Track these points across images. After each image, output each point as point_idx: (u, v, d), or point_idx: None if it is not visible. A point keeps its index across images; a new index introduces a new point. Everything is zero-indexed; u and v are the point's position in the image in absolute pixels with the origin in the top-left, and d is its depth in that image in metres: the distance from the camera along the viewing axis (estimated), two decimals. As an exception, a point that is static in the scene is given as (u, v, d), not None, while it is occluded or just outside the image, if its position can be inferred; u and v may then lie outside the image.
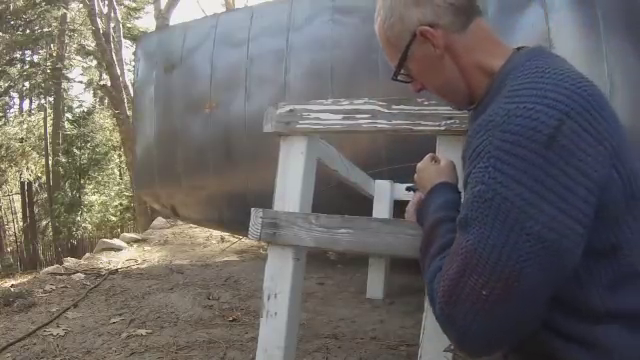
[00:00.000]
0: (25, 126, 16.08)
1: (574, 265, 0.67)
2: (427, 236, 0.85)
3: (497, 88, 0.79)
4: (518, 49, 0.86)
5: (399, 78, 0.93)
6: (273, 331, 1.31)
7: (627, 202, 0.70)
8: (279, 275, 1.32)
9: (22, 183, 17.19)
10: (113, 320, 2.60)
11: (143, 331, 2.41)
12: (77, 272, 3.82)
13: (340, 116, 1.31)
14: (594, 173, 0.66)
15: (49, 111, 16.78)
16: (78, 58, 16.95)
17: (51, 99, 16.61)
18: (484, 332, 0.68)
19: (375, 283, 3.03)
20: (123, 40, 13.66)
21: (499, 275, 0.65)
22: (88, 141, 15.60)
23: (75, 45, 16.22)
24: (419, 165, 1.02)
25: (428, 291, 0.77)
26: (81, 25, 15.40)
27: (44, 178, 16.70)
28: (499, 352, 0.76)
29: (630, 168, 0.71)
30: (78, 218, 14.32)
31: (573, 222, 0.65)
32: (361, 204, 2.80)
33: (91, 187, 15.97)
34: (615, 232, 0.70)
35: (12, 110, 17.20)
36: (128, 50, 16.17)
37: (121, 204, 15.96)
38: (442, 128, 1.19)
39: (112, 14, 12.78)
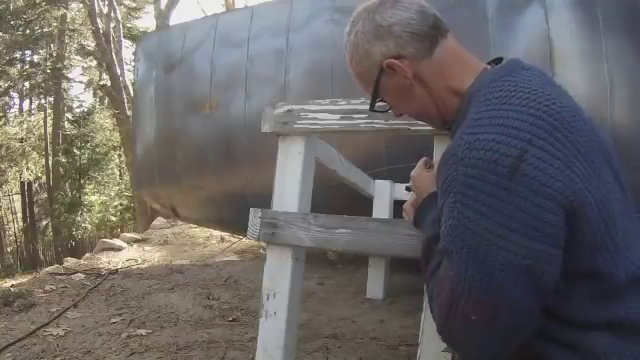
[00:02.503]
0: (25, 126, 16.09)
1: (554, 280, 0.69)
2: (425, 251, 0.86)
3: (464, 110, 0.80)
4: (493, 61, 0.88)
5: (376, 108, 0.95)
6: (273, 331, 1.31)
7: (605, 224, 0.70)
8: (278, 275, 1.33)
9: (22, 183, 17.20)
10: (113, 320, 2.60)
11: (143, 331, 2.41)
12: (77, 272, 3.82)
13: (338, 116, 1.31)
14: (562, 198, 0.66)
15: (49, 111, 16.78)
16: (78, 58, 16.94)
17: (51, 99, 16.60)
18: (481, 349, 0.73)
19: (375, 283, 3.03)
20: (123, 40, 13.65)
21: (483, 302, 0.68)
22: (88, 141, 15.59)
23: (75, 45, 16.21)
24: (413, 173, 1.02)
25: (430, 305, 0.80)
26: (81, 25, 15.40)
27: (44, 178, 16.70)
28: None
29: (606, 189, 0.71)
30: (78, 218, 14.32)
31: (544, 246, 0.66)
32: (361, 204, 2.79)
33: (91, 187, 15.97)
34: (595, 258, 0.70)
35: (12, 110, 17.22)
36: (128, 50, 16.18)
37: (121, 204, 15.95)
38: (441, 128, 1.19)
39: (112, 14, 12.78)
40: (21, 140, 15.62)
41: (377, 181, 2.85)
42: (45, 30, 14.83)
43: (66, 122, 16.99)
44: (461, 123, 0.78)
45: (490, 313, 0.68)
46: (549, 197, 0.65)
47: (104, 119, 16.76)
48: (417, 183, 1.00)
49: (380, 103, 0.96)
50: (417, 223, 0.98)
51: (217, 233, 5.59)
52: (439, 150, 1.19)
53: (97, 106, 18.10)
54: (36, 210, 17.08)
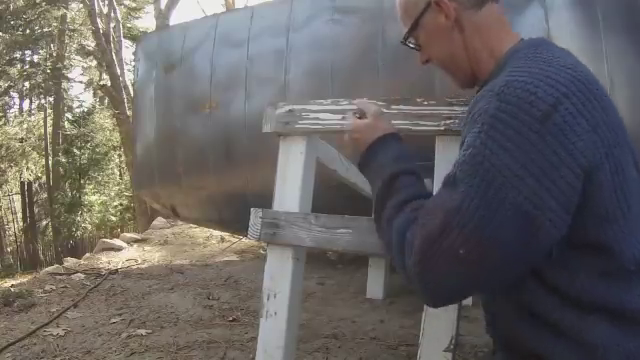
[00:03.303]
0: (25, 126, 16.09)
1: (551, 243, 0.68)
2: (386, 187, 0.86)
3: (499, 71, 0.80)
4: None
5: (408, 43, 0.95)
6: (273, 331, 1.31)
7: (617, 196, 0.69)
8: (279, 275, 1.32)
9: (22, 183, 17.20)
10: (113, 320, 2.60)
11: (143, 331, 2.41)
12: (77, 272, 3.82)
13: (339, 116, 1.31)
14: (583, 159, 0.66)
15: (49, 111, 16.79)
16: (78, 58, 16.94)
17: (51, 99, 16.61)
18: (451, 288, 0.72)
19: (375, 283, 3.03)
20: (123, 40, 13.66)
21: (478, 238, 0.67)
22: (88, 141, 15.60)
23: (75, 45, 16.21)
24: (349, 125, 1.01)
25: (397, 240, 0.77)
26: (81, 25, 15.40)
27: (44, 178, 16.71)
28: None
29: (623, 161, 0.71)
30: (78, 218, 14.32)
31: (555, 202, 0.66)
32: (361, 204, 2.79)
33: (91, 187, 15.97)
34: (605, 230, 0.70)
35: (12, 110, 17.22)
36: (128, 50, 16.19)
37: (121, 204, 15.96)
38: (441, 128, 1.19)
39: (112, 14, 12.79)
40: (21, 140, 15.62)
41: (377, 181, 2.85)
42: (45, 30, 14.83)
43: (66, 122, 17.00)
44: (471, 117, 0.78)
45: (480, 251, 0.67)
46: (571, 153, 0.66)
47: (104, 119, 16.76)
48: (359, 131, 0.98)
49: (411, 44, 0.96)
50: (367, 163, 0.95)
51: (217, 233, 5.59)
52: (441, 150, 1.19)
53: (97, 106, 18.11)
54: (36, 210, 17.09)
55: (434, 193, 0.84)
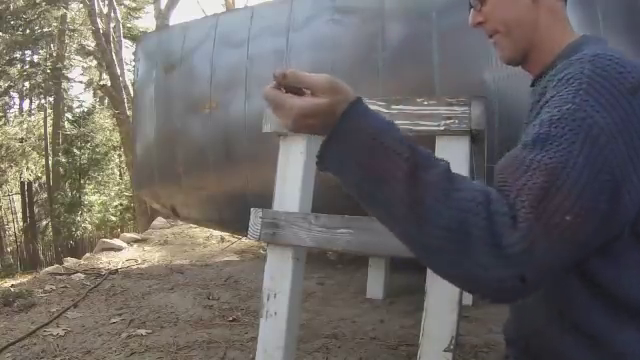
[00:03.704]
0: (25, 126, 16.09)
1: (621, 225, 0.64)
2: (412, 159, 0.61)
3: (564, 59, 0.78)
4: None
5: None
6: (273, 331, 1.31)
7: None
8: (279, 275, 1.32)
9: (22, 183, 17.19)
10: (113, 320, 2.60)
11: (143, 331, 2.41)
12: (77, 272, 3.82)
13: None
14: None
15: (49, 111, 16.79)
16: (78, 58, 16.95)
17: (51, 99, 16.61)
18: (551, 268, 0.60)
19: (375, 283, 3.03)
20: (123, 40, 13.66)
21: (584, 202, 0.58)
22: (88, 141, 15.59)
23: (75, 45, 16.21)
24: (298, 107, 0.65)
25: (451, 221, 0.57)
26: (81, 25, 15.40)
27: (44, 178, 16.71)
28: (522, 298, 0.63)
29: None
30: (78, 218, 14.32)
31: (636, 177, 0.62)
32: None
33: (91, 187, 15.97)
34: None
35: (12, 110, 17.21)
36: (128, 50, 16.18)
37: (121, 204, 15.95)
38: (441, 128, 1.19)
39: (112, 14, 12.79)
40: (21, 140, 15.62)
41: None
42: (45, 30, 14.83)
43: (66, 122, 17.00)
44: (551, 72, 0.76)
45: (583, 217, 0.58)
46: None
47: (104, 119, 16.76)
48: (313, 115, 0.65)
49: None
50: (343, 146, 0.64)
51: (217, 233, 5.59)
52: (441, 149, 1.19)
53: (97, 106, 18.11)
54: (36, 210, 17.08)
55: None
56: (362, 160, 0.63)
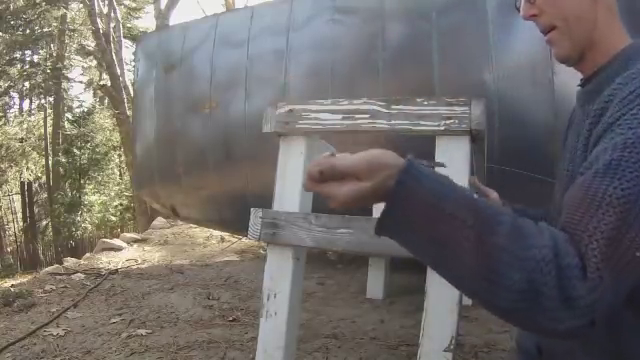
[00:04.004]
0: (25, 126, 16.10)
1: None
2: (475, 232, 0.58)
3: (619, 67, 0.75)
4: None
5: None
6: (273, 331, 1.31)
7: None
8: (279, 275, 1.32)
9: (22, 183, 17.19)
10: (113, 320, 2.60)
11: (143, 331, 2.41)
12: (77, 272, 3.82)
13: (339, 116, 1.31)
14: None
15: (49, 111, 16.79)
16: (78, 58, 16.95)
17: (51, 99, 16.61)
18: (615, 299, 0.58)
19: (375, 283, 3.03)
20: (123, 40, 13.66)
21: None
22: (88, 141, 15.60)
23: (75, 45, 16.21)
24: (342, 195, 0.62)
25: (522, 284, 0.56)
26: (81, 25, 15.40)
27: (44, 178, 16.71)
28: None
29: None
30: (78, 218, 14.32)
31: None
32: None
33: (91, 187, 15.97)
34: None
35: (12, 110, 17.21)
36: (128, 50, 16.17)
37: (121, 204, 15.95)
38: (441, 128, 1.19)
39: (112, 14, 12.79)
40: (21, 140, 15.62)
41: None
42: (45, 30, 14.83)
43: (66, 122, 17.00)
44: (613, 77, 0.72)
45: None
46: None
47: (104, 119, 16.76)
48: (371, 159, 0.62)
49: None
50: (406, 208, 0.60)
51: (217, 233, 5.59)
52: (441, 149, 1.19)
53: (97, 106, 18.11)
54: (36, 210, 17.08)
55: None
56: (425, 230, 0.61)
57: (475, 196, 0.63)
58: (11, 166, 15.90)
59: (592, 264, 0.55)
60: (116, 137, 15.97)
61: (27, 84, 16.08)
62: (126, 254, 4.89)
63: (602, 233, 0.56)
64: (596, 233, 0.56)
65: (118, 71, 12.25)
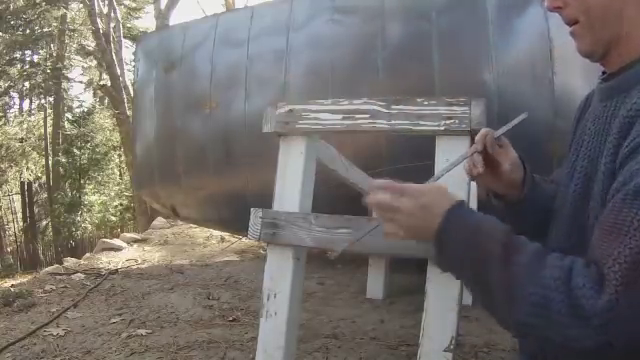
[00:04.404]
0: (25, 126, 16.09)
1: None
2: (504, 246, 0.66)
3: None
4: None
5: None
6: (273, 331, 1.31)
7: None
8: (279, 275, 1.32)
9: (22, 183, 17.19)
10: (113, 320, 2.60)
11: (143, 331, 2.41)
12: (77, 272, 3.82)
13: (339, 116, 1.31)
14: None
15: (49, 111, 16.78)
16: (78, 58, 16.94)
17: (51, 99, 16.60)
18: (636, 324, 0.56)
19: (375, 283, 3.03)
20: (123, 40, 13.66)
21: None
22: (88, 141, 15.60)
23: (75, 45, 16.21)
24: (404, 191, 0.78)
25: (537, 298, 0.60)
26: (81, 25, 15.39)
27: (44, 178, 16.70)
28: None
29: None
30: (78, 218, 14.32)
31: None
32: (361, 204, 2.79)
33: (91, 187, 15.97)
34: None
35: (12, 110, 17.21)
36: (128, 50, 16.16)
37: (121, 204, 15.95)
38: (441, 128, 1.19)
39: (112, 14, 12.78)
40: (21, 140, 15.62)
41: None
42: (45, 30, 14.83)
43: (66, 122, 16.99)
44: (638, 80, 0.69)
45: None
46: None
47: (104, 119, 16.76)
48: (426, 199, 0.76)
49: None
50: (450, 239, 0.73)
51: (217, 233, 5.59)
52: (442, 149, 1.19)
53: (97, 106, 18.10)
54: (36, 210, 17.08)
55: None
56: (466, 245, 0.71)
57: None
58: (11, 166, 15.90)
59: (611, 285, 0.56)
60: (116, 137, 15.97)
61: (27, 84, 16.07)
62: (126, 254, 4.89)
63: (626, 257, 0.56)
64: (620, 257, 0.56)
65: (118, 71, 12.25)
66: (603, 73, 0.82)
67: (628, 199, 0.59)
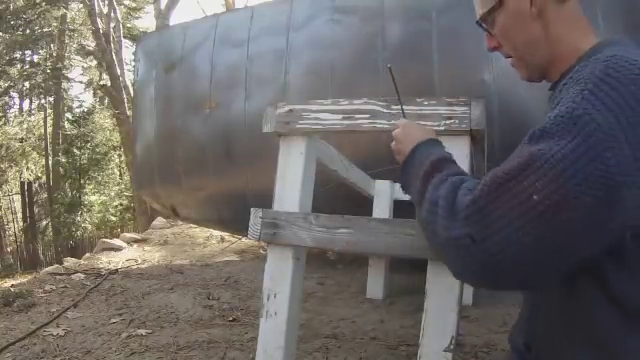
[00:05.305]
0: (25, 126, 16.10)
1: (622, 228, 0.63)
2: (432, 165, 0.80)
3: (584, 63, 0.76)
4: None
5: (483, 25, 0.92)
6: (273, 331, 1.31)
7: None
8: (279, 275, 1.32)
9: (22, 183, 17.19)
10: (113, 320, 2.60)
11: (143, 331, 2.41)
12: (77, 272, 3.82)
13: (339, 116, 1.31)
14: None
15: (49, 111, 16.79)
16: (78, 58, 16.94)
17: (51, 99, 16.61)
18: (512, 242, 0.61)
19: (375, 283, 3.03)
20: (123, 40, 13.66)
21: (557, 187, 0.60)
22: (88, 141, 15.59)
23: (75, 45, 16.21)
24: (402, 124, 1.01)
25: (444, 200, 0.70)
26: (81, 25, 15.40)
27: (44, 178, 16.71)
28: (511, 289, 0.71)
29: None
30: (78, 218, 14.32)
31: None
32: (361, 204, 2.80)
33: (91, 187, 15.97)
34: None
35: (12, 110, 17.21)
36: (128, 50, 16.17)
37: (121, 204, 15.95)
38: (441, 128, 1.19)
39: (112, 14, 12.79)
40: (21, 140, 15.62)
41: (377, 181, 2.85)
42: (45, 30, 14.83)
43: (66, 122, 16.99)
44: (570, 82, 0.74)
45: (552, 207, 0.60)
46: None
47: (104, 119, 16.76)
48: (408, 130, 0.98)
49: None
50: (409, 164, 0.91)
51: (217, 233, 5.59)
52: (440, 150, 1.19)
53: (97, 106, 18.10)
54: (36, 210, 17.08)
55: None
56: (415, 169, 0.87)
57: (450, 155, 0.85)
58: (11, 166, 15.90)
59: (480, 186, 0.66)
60: (116, 137, 15.98)
61: (27, 84, 16.07)
62: (126, 254, 4.89)
63: (500, 170, 0.65)
64: (495, 170, 0.66)
65: (118, 71, 12.25)
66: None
67: (524, 142, 0.68)
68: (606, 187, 0.60)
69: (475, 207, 0.64)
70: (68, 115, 17.62)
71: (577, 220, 0.60)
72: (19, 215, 17.94)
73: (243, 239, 4.92)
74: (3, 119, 15.69)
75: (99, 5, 12.63)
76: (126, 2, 16.94)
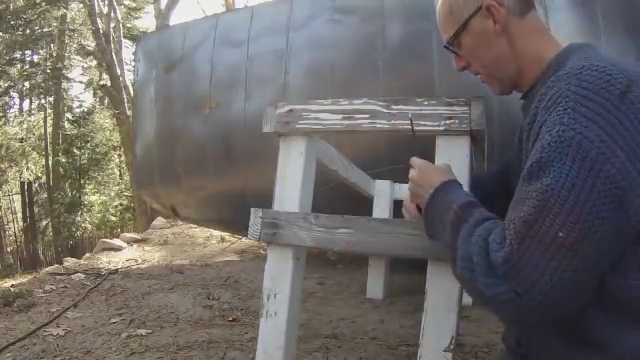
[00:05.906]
0: (25, 126, 16.10)
1: (633, 229, 0.65)
2: (457, 216, 0.79)
3: (550, 72, 0.80)
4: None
5: (450, 48, 0.96)
6: (273, 331, 1.31)
7: None
8: (279, 275, 1.32)
9: (22, 183, 17.20)
10: (113, 320, 2.60)
11: (143, 331, 2.41)
12: (77, 272, 3.82)
13: (339, 116, 1.31)
14: None
15: (49, 111, 16.79)
16: (78, 58, 16.94)
17: (51, 99, 16.62)
18: (555, 283, 0.63)
19: (375, 283, 3.03)
20: (123, 40, 13.66)
21: (577, 216, 0.62)
22: (88, 141, 15.60)
23: (75, 45, 16.22)
24: (417, 166, 0.96)
25: (477, 250, 0.70)
26: (81, 25, 15.41)
27: (44, 178, 16.71)
28: (553, 321, 0.71)
29: None
30: (78, 218, 14.32)
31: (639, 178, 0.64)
32: (361, 204, 2.79)
33: (91, 187, 15.97)
34: None
35: (12, 110, 17.22)
36: (128, 50, 16.18)
37: (121, 204, 15.96)
38: (442, 128, 1.19)
39: (112, 14, 12.79)
40: (21, 140, 15.63)
41: (377, 181, 2.85)
42: (45, 30, 14.83)
43: (66, 122, 17.00)
44: (541, 91, 0.76)
45: (579, 235, 0.62)
46: None
47: (104, 119, 16.76)
48: (425, 172, 0.94)
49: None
50: (436, 206, 0.88)
51: (217, 233, 5.59)
52: (442, 149, 1.19)
53: (97, 106, 18.11)
54: (36, 210, 17.08)
55: None
56: (439, 217, 0.86)
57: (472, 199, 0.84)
58: (11, 166, 15.91)
59: (507, 241, 0.66)
60: (116, 137, 15.98)
61: (27, 84, 16.08)
62: (126, 254, 4.89)
63: (519, 218, 0.67)
64: (515, 220, 0.67)
65: (118, 71, 12.26)
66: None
67: (525, 178, 0.70)
68: (617, 197, 0.63)
69: (510, 264, 0.65)
70: (68, 115, 17.63)
71: (606, 236, 0.63)
72: (19, 215, 17.95)
73: (243, 239, 4.92)
74: (3, 119, 15.69)
75: (99, 5, 12.63)
76: (126, 2, 16.94)
